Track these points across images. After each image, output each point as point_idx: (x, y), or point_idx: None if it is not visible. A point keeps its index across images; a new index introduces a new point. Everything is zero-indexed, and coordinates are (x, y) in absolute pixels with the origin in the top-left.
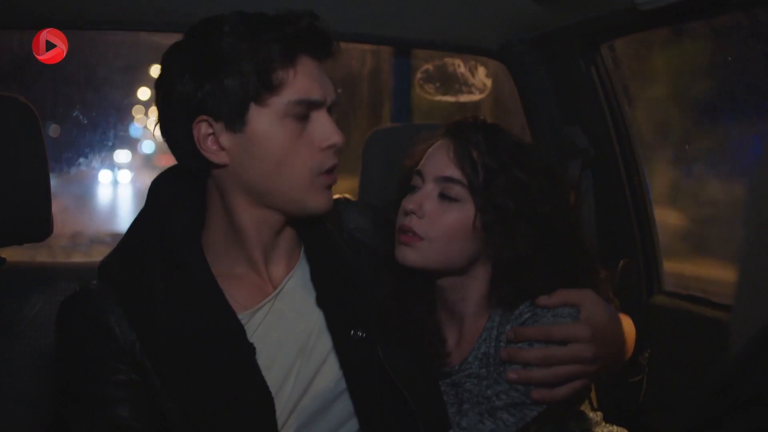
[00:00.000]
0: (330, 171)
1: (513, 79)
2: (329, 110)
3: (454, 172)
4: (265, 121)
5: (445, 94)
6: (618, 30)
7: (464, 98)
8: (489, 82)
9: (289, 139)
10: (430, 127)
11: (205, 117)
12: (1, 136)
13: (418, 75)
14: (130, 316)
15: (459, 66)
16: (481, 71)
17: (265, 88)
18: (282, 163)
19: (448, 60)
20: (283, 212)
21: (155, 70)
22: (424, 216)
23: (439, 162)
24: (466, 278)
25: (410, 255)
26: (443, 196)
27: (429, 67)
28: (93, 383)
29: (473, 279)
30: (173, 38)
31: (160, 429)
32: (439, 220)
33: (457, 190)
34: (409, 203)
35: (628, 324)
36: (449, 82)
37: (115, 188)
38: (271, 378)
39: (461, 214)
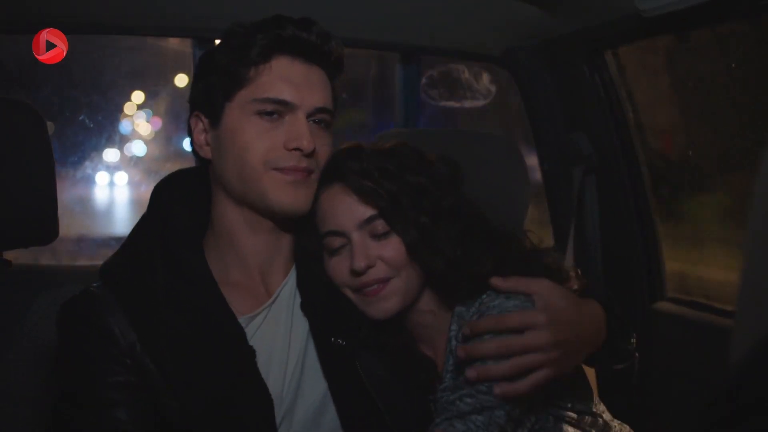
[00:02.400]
0: (290, 170)
1: (517, 85)
2: (317, 118)
3: (369, 210)
4: (234, 116)
5: (449, 99)
6: (621, 37)
7: (468, 104)
8: (493, 88)
9: (252, 135)
10: (435, 133)
11: (197, 112)
12: (8, 139)
13: (423, 81)
14: (131, 317)
15: (463, 72)
16: (486, 77)
17: (235, 83)
18: (240, 157)
19: (453, 66)
20: (258, 211)
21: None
22: (376, 262)
23: (350, 209)
24: (417, 304)
25: (387, 305)
26: (375, 237)
27: (434, 73)
28: (91, 385)
29: (421, 303)
30: (177, 43)
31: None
32: (391, 255)
33: (382, 224)
34: (356, 263)
35: (593, 307)
36: (454, 87)
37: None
38: (269, 382)
39: (397, 242)
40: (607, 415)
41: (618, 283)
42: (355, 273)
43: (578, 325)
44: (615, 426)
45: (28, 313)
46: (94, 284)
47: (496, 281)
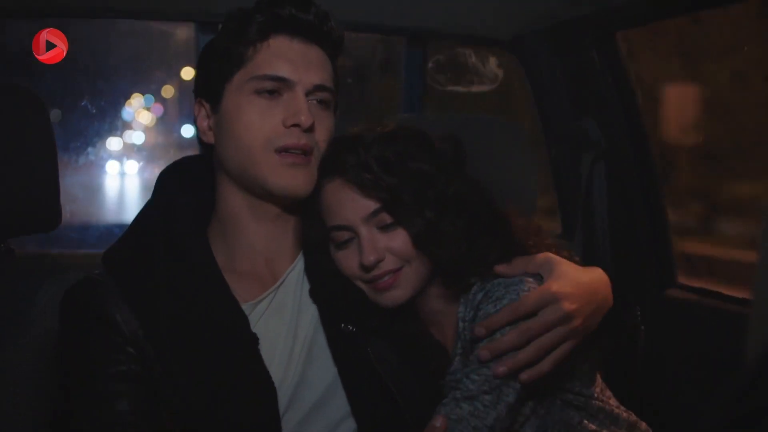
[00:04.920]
0: (290, 150)
1: (524, 70)
2: (317, 97)
3: (373, 203)
4: (233, 97)
5: (456, 84)
6: (631, 20)
7: (475, 89)
8: (500, 73)
9: (252, 115)
10: (442, 118)
11: (200, 98)
12: (9, 126)
13: (429, 65)
14: (133, 305)
15: (470, 56)
16: (493, 61)
17: (233, 64)
18: (241, 138)
19: (460, 50)
20: (259, 195)
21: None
22: (385, 255)
23: (354, 203)
24: (427, 291)
25: (398, 293)
26: (382, 229)
27: (440, 57)
28: (93, 376)
29: (431, 290)
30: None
31: (159, 423)
32: (399, 246)
33: (386, 217)
34: (365, 258)
35: (597, 270)
36: (460, 72)
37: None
38: (273, 369)
39: (405, 232)
40: (613, 401)
41: (627, 271)
42: (365, 268)
43: (590, 289)
44: (622, 413)
45: (32, 302)
46: (96, 271)
47: (502, 269)
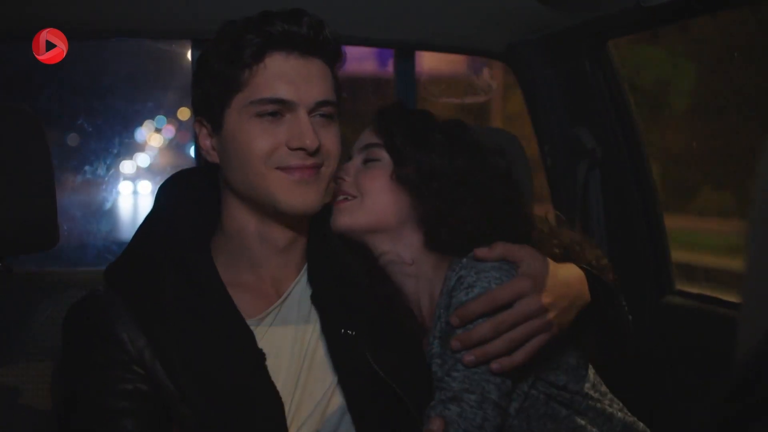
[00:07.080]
0: (295, 168)
1: (518, 80)
2: (321, 112)
3: (373, 139)
4: (234, 121)
5: (450, 96)
6: (623, 28)
7: (469, 100)
8: (494, 84)
9: (255, 137)
10: None
11: (200, 118)
12: (7, 146)
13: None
14: (140, 321)
15: (464, 68)
16: (486, 72)
17: (231, 88)
18: (244, 160)
19: (453, 61)
20: (269, 214)
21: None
22: (350, 177)
23: (363, 137)
24: (400, 246)
25: (342, 219)
26: (366, 161)
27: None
28: (98, 394)
29: (404, 252)
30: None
31: None
32: (363, 178)
33: (375, 152)
34: (338, 171)
35: (572, 267)
36: (454, 84)
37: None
38: (279, 383)
39: (380, 170)
40: (608, 400)
41: (625, 278)
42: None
43: (564, 284)
44: (616, 413)
45: (31, 320)
46: (100, 288)
47: (482, 253)
